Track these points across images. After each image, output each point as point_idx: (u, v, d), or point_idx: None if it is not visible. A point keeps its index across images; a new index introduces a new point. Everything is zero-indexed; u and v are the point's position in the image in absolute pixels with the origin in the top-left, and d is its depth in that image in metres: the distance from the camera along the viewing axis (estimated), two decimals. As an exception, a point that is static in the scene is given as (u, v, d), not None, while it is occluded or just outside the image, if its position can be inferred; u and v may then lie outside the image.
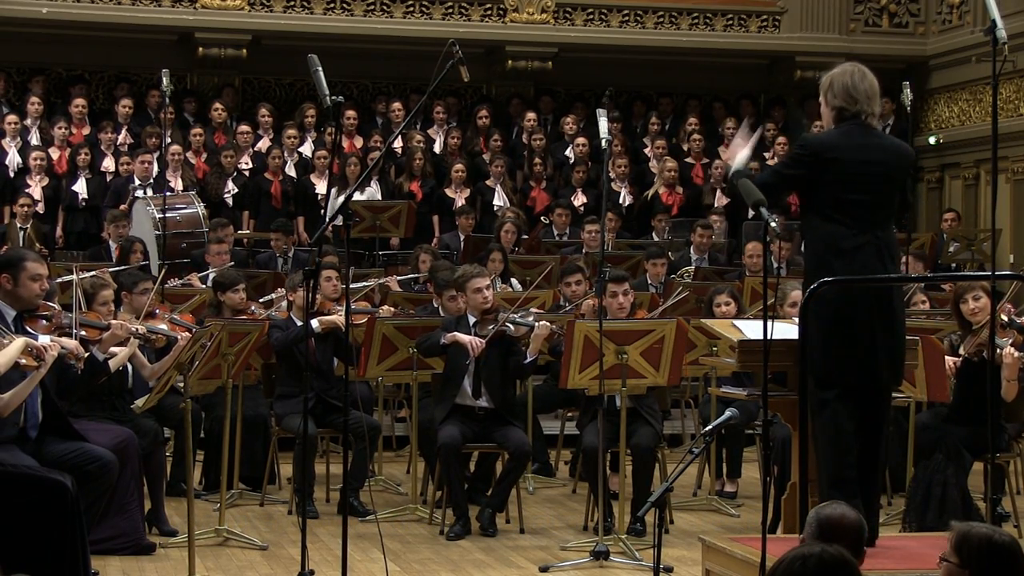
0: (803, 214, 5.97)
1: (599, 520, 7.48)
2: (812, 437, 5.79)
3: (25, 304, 6.28)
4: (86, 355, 6.51)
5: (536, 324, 7.97)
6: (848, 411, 5.73)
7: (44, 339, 6.10)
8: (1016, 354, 7.39)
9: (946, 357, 7.60)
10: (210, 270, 11.04)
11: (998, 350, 7.14)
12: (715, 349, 8.26)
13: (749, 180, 5.52)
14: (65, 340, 6.28)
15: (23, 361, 5.80)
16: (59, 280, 8.85)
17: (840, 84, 5.78)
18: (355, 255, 12.44)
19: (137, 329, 7.22)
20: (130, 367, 7.57)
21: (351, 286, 8.77)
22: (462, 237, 12.94)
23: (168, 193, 12.11)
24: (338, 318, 8.46)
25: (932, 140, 15.58)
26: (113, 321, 7.01)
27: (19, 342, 5.81)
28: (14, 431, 6.17)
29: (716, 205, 14.19)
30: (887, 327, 5.72)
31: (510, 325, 7.98)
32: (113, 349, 7.18)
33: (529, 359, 8.01)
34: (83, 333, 6.73)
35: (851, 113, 5.77)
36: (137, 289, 7.98)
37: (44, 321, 6.41)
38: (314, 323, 8.38)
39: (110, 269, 9.81)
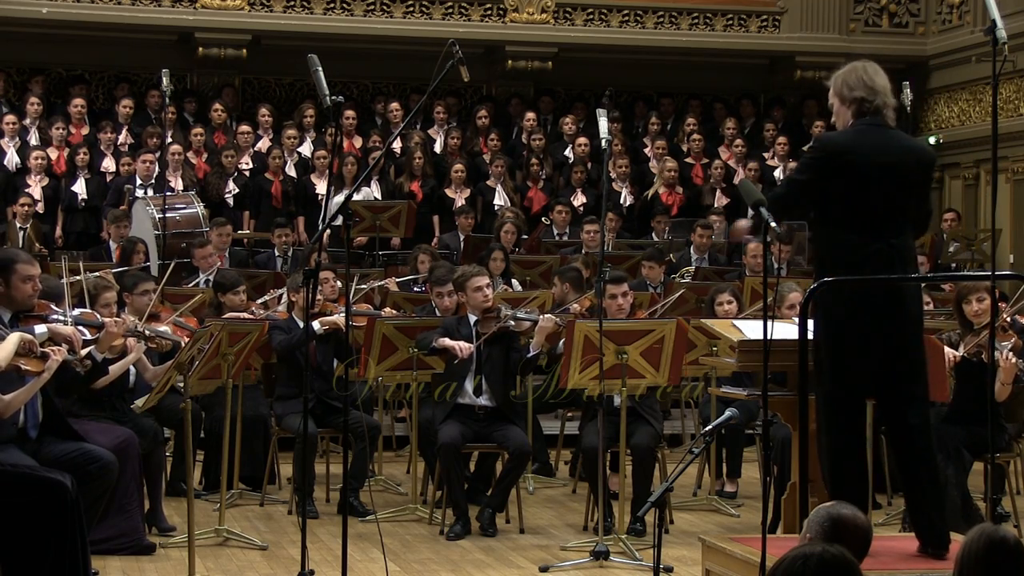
0: (812, 221, 5.74)
1: (599, 520, 7.48)
2: (818, 444, 5.70)
3: (19, 306, 6.24)
4: (84, 352, 6.45)
5: (540, 317, 8.01)
6: (855, 420, 5.57)
7: (40, 329, 6.08)
8: (1014, 359, 7.40)
9: (946, 349, 7.57)
10: (200, 273, 11.05)
11: (997, 352, 7.13)
12: (715, 349, 8.27)
13: (754, 191, 5.35)
14: (61, 327, 6.23)
15: (25, 366, 5.77)
16: (63, 280, 8.83)
17: (855, 77, 5.57)
18: (355, 255, 12.44)
19: (136, 326, 7.19)
20: (132, 368, 7.56)
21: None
22: (462, 237, 12.94)
23: (168, 193, 12.11)
24: (340, 318, 8.46)
25: (932, 140, 15.58)
26: (107, 319, 6.97)
27: (14, 337, 5.74)
28: (14, 431, 6.17)
29: (716, 205, 14.19)
30: (898, 334, 5.50)
31: (512, 322, 8.01)
32: (117, 362, 7.17)
33: (532, 353, 8.02)
34: (84, 331, 6.68)
35: (872, 106, 5.53)
36: (138, 290, 7.95)
37: (41, 322, 6.36)
38: (316, 324, 8.39)
39: (113, 270, 9.81)
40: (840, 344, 5.50)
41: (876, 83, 5.57)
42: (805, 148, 5.77)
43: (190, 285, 10.84)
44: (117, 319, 7.00)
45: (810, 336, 5.59)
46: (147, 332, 7.22)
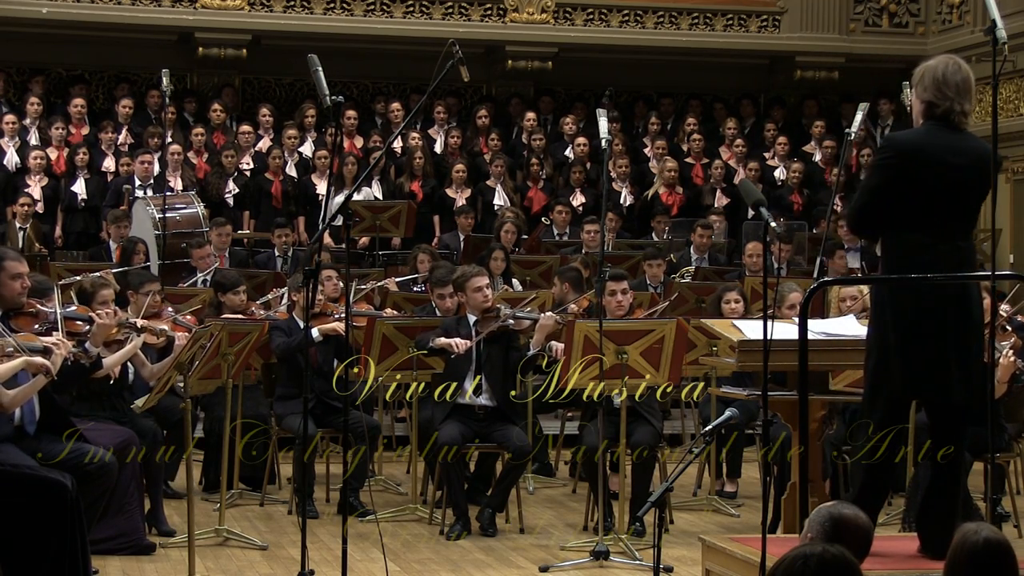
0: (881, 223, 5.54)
1: (599, 520, 7.48)
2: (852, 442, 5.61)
3: (8, 303, 6.23)
4: (75, 349, 6.40)
5: (541, 316, 8.02)
6: (903, 424, 5.46)
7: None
8: (1012, 358, 7.39)
9: None
10: (198, 273, 11.05)
11: (996, 353, 7.12)
12: (715, 349, 8.27)
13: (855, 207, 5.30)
14: (46, 338, 6.21)
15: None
16: (62, 282, 8.83)
17: (931, 76, 5.40)
18: (355, 255, 12.44)
19: (127, 319, 7.18)
20: (131, 367, 7.56)
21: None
22: (462, 237, 12.94)
23: (168, 193, 12.11)
24: (338, 325, 8.46)
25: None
26: (94, 313, 6.94)
27: (18, 362, 5.75)
28: (10, 428, 6.17)
29: (716, 205, 14.19)
30: (962, 336, 5.34)
31: (511, 320, 8.01)
32: (112, 357, 7.16)
33: (532, 352, 8.02)
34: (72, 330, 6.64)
35: (941, 110, 5.38)
36: (143, 290, 7.99)
37: (30, 319, 6.34)
38: (314, 332, 8.38)
39: (114, 270, 9.80)
40: (911, 343, 5.33)
41: (950, 85, 5.39)
42: (873, 153, 5.62)
43: (187, 285, 10.84)
44: (107, 311, 6.96)
45: (855, 336, 5.52)
46: (139, 324, 7.21)
